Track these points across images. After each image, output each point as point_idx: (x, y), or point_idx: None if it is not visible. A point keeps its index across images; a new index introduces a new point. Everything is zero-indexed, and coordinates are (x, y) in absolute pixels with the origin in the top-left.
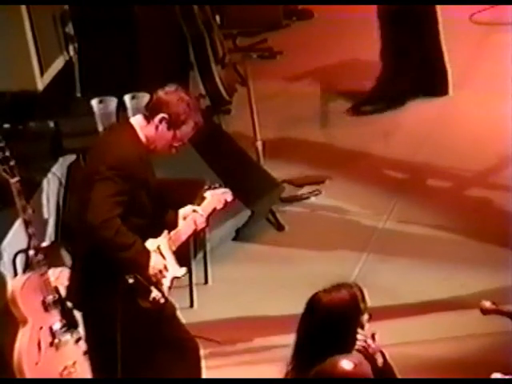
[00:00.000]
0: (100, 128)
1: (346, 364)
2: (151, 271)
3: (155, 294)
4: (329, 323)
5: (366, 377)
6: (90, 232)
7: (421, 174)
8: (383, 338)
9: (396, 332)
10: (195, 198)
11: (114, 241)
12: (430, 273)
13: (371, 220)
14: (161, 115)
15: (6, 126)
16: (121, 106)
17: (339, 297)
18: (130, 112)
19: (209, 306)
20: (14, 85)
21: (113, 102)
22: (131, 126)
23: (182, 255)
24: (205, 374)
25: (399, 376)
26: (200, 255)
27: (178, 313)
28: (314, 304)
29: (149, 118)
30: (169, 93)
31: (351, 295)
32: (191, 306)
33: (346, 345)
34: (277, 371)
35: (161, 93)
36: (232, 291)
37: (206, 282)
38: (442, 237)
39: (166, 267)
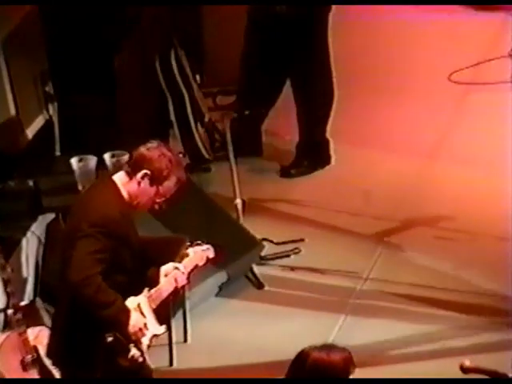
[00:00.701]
0: (80, 186)
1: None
2: (131, 329)
3: (134, 352)
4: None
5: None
6: (71, 289)
7: (401, 231)
8: None
9: None
10: (175, 255)
11: (95, 298)
12: (409, 332)
13: (350, 280)
14: (143, 171)
15: None
16: (100, 164)
17: (330, 357)
18: (110, 170)
19: (188, 364)
20: None
21: (92, 161)
22: (113, 183)
23: (162, 313)
24: None
25: None
26: (179, 313)
27: (157, 372)
28: (304, 361)
29: (131, 175)
30: (151, 149)
31: (343, 358)
32: (171, 364)
33: None
34: None
35: (143, 149)
36: (211, 349)
37: (186, 340)
38: (421, 296)
39: (145, 325)
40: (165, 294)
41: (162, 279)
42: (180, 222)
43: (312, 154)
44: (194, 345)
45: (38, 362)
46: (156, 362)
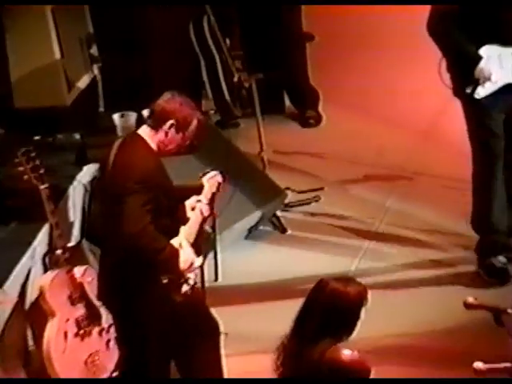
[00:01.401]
0: None
1: (348, 353)
2: (183, 267)
3: (185, 287)
4: (330, 309)
5: (366, 368)
6: (127, 240)
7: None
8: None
9: (387, 323)
10: None
11: (151, 246)
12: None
13: (364, 225)
14: (170, 122)
15: (37, 138)
16: (139, 119)
17: (347, 289)
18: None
19: (219, 300)
20: (44, 101)
21: (132, 116)
22: (141, 138)
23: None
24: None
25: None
26: (211, 254)
27: None
28: (322, 289)
29: (156, 127)
30: (169, 101)
31: (358, 291)
32: None
33: (341, 332)
34: None
35: (162, 102)
36: (240, 286)
37: (216, 278)
38: (430, 239)
39: (192, 261)
40: (196, 227)
41: (190, 213)
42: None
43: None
44: (223, 283)
45: (83, 297)
46: None
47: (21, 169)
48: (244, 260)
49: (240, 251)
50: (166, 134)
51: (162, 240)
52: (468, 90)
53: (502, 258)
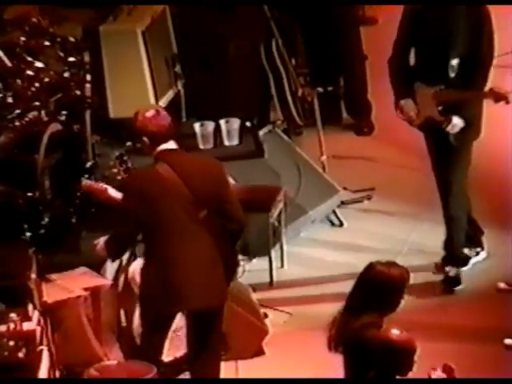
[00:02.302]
0: (201, 146)
1: (397, 332)
2: None
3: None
4: (375, 287)
5: (412, 347)
6: (242, 228)
7: None
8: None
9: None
10: (273, 201)
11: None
12: None
13: (410, 221)
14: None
15: (128, 143)
16: (217, 128)
17: (390, 271)
18: (224, 132)
19: (284, 284)
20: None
21: (210, 125)
22: (179, 150)
23: (263, 244)
24: (284, 338)
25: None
26: (277, 245)
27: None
28: (370, 271)
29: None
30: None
31: (400, 273)
32: (271, 284)
33: (385, 308)
34: None
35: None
36: (303, 272)
37: (282, 265)
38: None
39: None
40: None
41: None
42: (277, 173)
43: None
44: (289, 269)
45: None
46: (261, 282)
47: (115, 170)
48: (306, 250)
49: (302, 242)
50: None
51: None
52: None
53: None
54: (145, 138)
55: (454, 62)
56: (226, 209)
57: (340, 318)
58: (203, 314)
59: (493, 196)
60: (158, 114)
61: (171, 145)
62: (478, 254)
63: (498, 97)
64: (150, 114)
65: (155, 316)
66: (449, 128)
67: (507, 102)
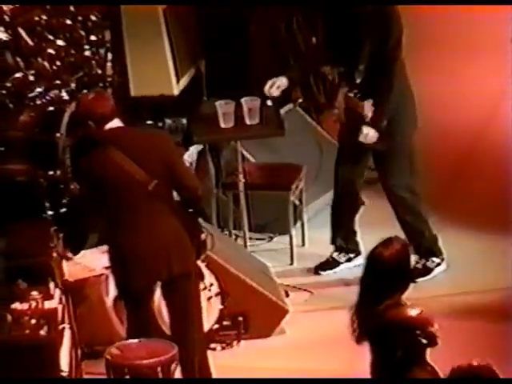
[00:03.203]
0: (222, 124)
1: (413, 311)
2: None
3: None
4: (386, 271)
5: (430, 322)
6: (199, 199)
7: None
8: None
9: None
10: (294, 179)
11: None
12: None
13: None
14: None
15: (149, 122)
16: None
17: (396, 249)
18: (245, 111)
19: (304, 263)
20: (156, 91)
21: (232, 104)
22: (125, 127)
23: (283, 223)
24: (304, 317)
25: None
26: (298, 224)
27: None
28: (375, 256)
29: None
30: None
31: (403, 247)
32: (291, 263)
33: (402, 286)
34: None
35: (100, 104)
36: (323, 250)
37: (303, 244)
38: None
39: None
40: None
41: None
42: (298, 152)
43: None
44: (310, 248)
45: None
46: (280, 261)
47: None
48: (327, 229)
49: (324, 221)
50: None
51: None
52: None
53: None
54: (90, 122)
55: (361, 67)
56: (177, 178)
57: (359, 309)
58: (174, 284)
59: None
60: (100, 95)
61: (116, 123)
62: (439, 264)
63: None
64: (91, 96)
65: (132, 294)
66: (361, 139)
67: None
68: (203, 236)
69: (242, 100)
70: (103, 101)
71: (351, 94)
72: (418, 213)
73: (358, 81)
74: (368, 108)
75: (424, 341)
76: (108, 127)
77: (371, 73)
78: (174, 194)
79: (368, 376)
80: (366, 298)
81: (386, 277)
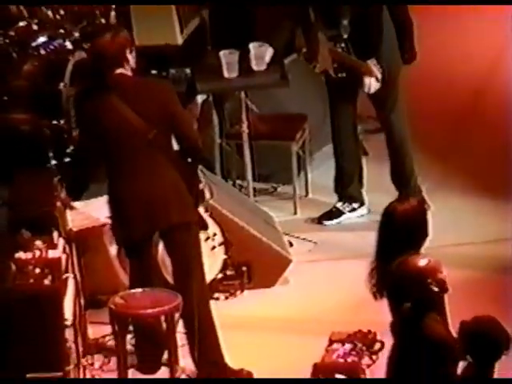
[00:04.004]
0: (226, 74)
1: (422, 261)
2: None
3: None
4: (405, 227)
5: (439, 269)
6: (199, 151)
7: None
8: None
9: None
10: (298, 129)
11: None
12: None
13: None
14: (126, 50)
15: (154, 72)
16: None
17: (411, 204)
18: (252, 58)
19: (308, 213)
20: (161, 40)
21: (236, 54)
22: (128, 75)
23: (287, 173)
24: (308, 266)
25: None
26: (302, 173)
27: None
28: (391, 213)
29: (121, 63)
30: (111, 40)
31: (418, 202)
32: (295, 213)
33: (418, 242)
34: (367, 265)
35: (111, 46)
36: (328, 201)
37: (307, 194)
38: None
39: None
40: None
41: None
42: (302, 102)
43: None
44: (312, 198)
45: None
46: (284, 211)
47: None
48: (331, 179)
49: (327, 171)
50: (128, 60)
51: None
52: None
53: None
54: (102, 63)
55: (345, 21)
56: (177, 128)
57: (376, 265)
58: (173, 233)
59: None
60: (117, 34)
61: (123, 70)
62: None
63: (370, 74)
64: (108, 36)
65: (132, 243)
66: (365, 90)
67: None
68: (201, 186)
69: (251, 45)
70: (120, 42)
71: (339, 49)
72: (407, 142)
73: (345, 36)
74: (374, 68)
75: (435, 288)
76: (116, 72)
77: (357, 27)
78: (174, 144)
79: (374, 326)
80: (382, 254)
81: (401, 233)
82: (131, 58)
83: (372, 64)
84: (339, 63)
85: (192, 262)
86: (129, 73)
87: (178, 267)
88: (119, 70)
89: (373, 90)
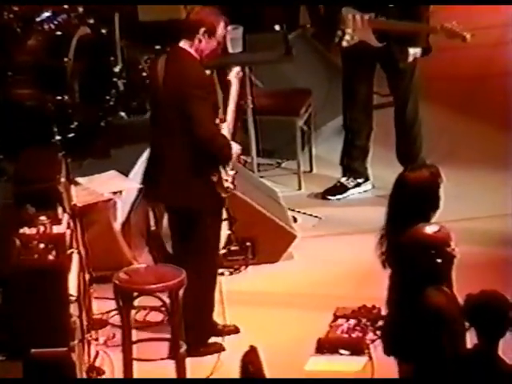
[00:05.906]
0: (230, 49)
1: (431, 229)
2: (234, 158)
3: (228, 184)
4: (415, 197)
5: (447, 240)
6: (202, 142)
7: None
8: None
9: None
10: (303, 103)
11: (224, 146)
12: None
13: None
14: (202, 29)
15: (158, 47)
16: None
17: (423, 174)
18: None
19: (312, 188)
20: (164, 15)
21: (240, 30)
22: (184, 50)
23: (291, 148)
24: (312, 242)
25: None
26: (306, 148)
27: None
28: (402, 181)
29: (192, 37)
30: (197, 12)
31: (432, 173)
32: (299, 188)
33: (428, 213)
34: (371, 240)
35: (192, 15)
36: (333, 176)
37: (311, 170)
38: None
39: (237, 150)
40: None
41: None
42: (307, 77)
43: None
44: (317, 173)
45: None
46: (288, 187)
47: (144, 74)
48: (335, 154)
49: (332, 146)
50: (200, 40)
51: (225, 139)
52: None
53: None
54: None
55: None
56: (192, 125)
57: (386, 234)
58: (181, 215)
59: None
60: (210, 13)
61: (185, 44)
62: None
63: (451, 34)
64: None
65: None
66: (410, 59)
67: (464, 40)
68: (214, 178)
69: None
70: (199, 19)
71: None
72: (418, 123)
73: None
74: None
75: (439, 260)
76: (180, 44)
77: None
78: None
79: (378, 301)
80: (392, 223)
81: (412, 202)
82: (204, 40)
83: None
84: (383, 32)
85: (197, 248)
86: (188, 49)
87: (181, 246)
88: (181, 43)
89: (416, 56)
